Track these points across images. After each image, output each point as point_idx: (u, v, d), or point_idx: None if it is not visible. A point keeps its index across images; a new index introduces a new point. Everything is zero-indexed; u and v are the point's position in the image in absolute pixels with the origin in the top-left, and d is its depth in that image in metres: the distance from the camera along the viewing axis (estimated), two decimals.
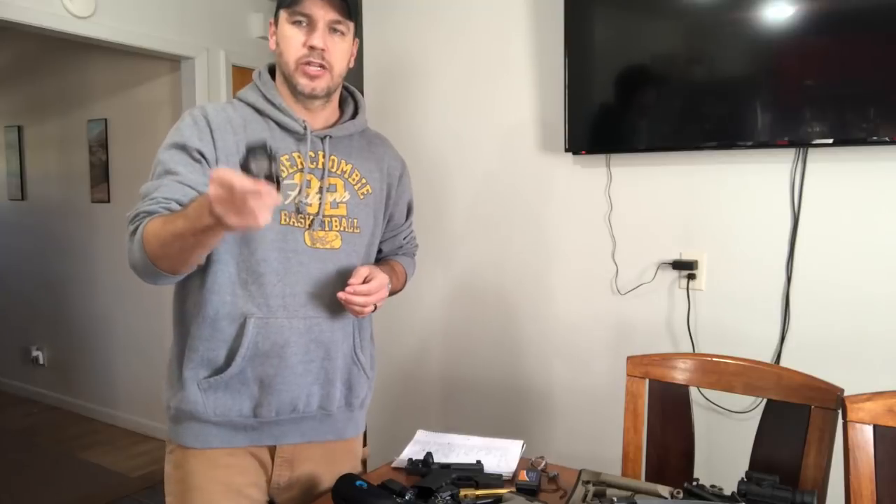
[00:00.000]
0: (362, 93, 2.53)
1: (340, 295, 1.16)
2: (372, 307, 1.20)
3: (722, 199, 1.93)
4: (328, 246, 1.22)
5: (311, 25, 1.16)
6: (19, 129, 4.38)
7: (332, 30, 1.18)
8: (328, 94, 1.23)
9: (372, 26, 2.55)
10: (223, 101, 1.29)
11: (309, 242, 1.20)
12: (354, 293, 1.16)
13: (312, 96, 1.20)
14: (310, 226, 1.20)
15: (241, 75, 3.31)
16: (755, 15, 1.75)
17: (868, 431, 1.15)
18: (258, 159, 0.88)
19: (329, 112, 1.28)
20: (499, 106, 2.30)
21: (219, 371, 1.18)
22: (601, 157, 2.10)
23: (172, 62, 3.23)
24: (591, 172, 2.13)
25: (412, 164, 2.67)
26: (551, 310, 2.23)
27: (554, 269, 2.22)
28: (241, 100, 1.24)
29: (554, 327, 2.23)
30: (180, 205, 1.08)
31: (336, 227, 1.23)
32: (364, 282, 1.18)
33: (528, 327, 2.28)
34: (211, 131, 1.16)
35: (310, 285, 1.20)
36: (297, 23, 1.17)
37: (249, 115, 1.21)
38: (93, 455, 3.49)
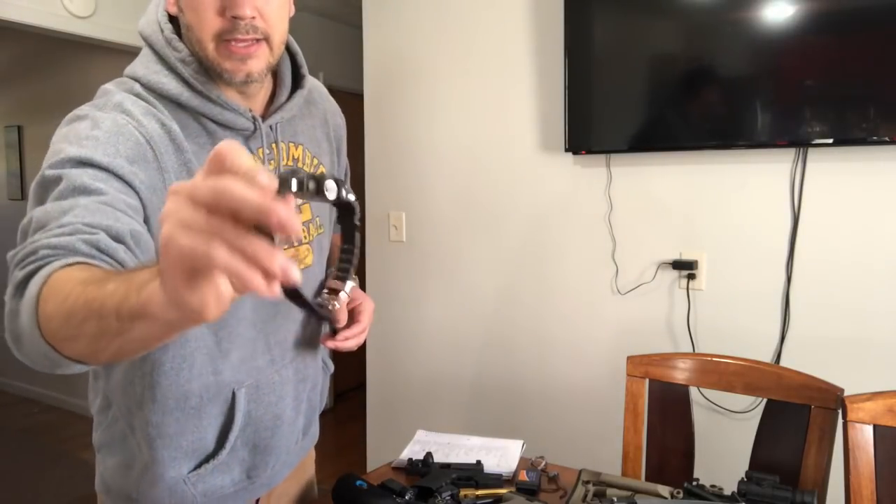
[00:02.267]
0: (362, 93, 2.55)
1: (329, 344, 1.00)
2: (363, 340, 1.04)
3: (722, 199, 1.93)
4: (301, 266, 0.98)
5: None
6: (19, 129, 4.38)
7: None
8: (269, 72, 0.88)
9: (373, 27, 2.55)
10: (124, 88, 0.83)
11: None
12: (346, 339, 1.00)
13: (248, 81, 0.84)
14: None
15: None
16: (755, 15, 1.75)
17: (868, 431, 1.15)
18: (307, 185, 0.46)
19: (267, 88, 0.94)
20: (499, 106, 2.30)
21: (209, 457, 0.95)
22: (601, 157, 2.10)
23: None
24: (591, 172, 2.13)
25: (411, 163, 2.67)
26: (551, 309, 2.23)
27: (554, 269, 2.22)
28: (153, 90, 0.84)
29: (554, 327, 2.23)
30: (116, 239, 0.67)
31: (305, 237, 0.98)
32: (350, 312, 0.99)
33: (527, 327, 2.28)
34: (156, 154, 0.79)
35: (292, 323, 0.99)
36: None
37: (178, 114, 0.84)
38: (93, 455, 3.48)
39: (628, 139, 1.99)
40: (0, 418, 4.07)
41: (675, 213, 2.00)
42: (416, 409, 2.55)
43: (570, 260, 2.19)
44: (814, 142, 1.72)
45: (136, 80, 0.85)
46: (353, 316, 1.03)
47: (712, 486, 1.11)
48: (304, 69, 0.97)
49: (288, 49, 0.94)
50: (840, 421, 1.20)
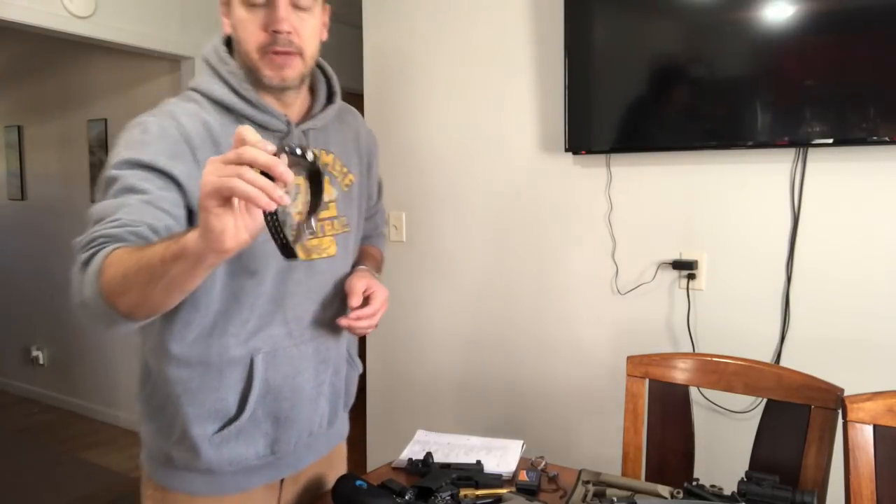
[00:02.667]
0: (361, 93, 2.55)
1: (342, 322, 1.08)
2: (375, 325, 1.12)
3: (722, 199, 1.93)
4: (324, 255, 1.10)
5: (269, 4, 0.97)
6: (19, 129, 4.38)
7: (296, 6, 0.98)
8: (302, 82, 1.05)
9: (372, 26, 2.55)
10: (182, 98, 1.06)
11: (303, 255, 1.07)
12: (358, 318, 1.08)
13: (284, 88, 1.02)
14: (297, 237, 0.89)
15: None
16: (755, 15, 1.75)
17: (868, 431, 1.15)
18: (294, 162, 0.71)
19: (303, 99, 1.10)
20: (498, 106, 2.30)
21: (231, 420, 1.05)
22: (601, 157, 2.10)
23: (172, 62, 3.23)
24: (591, 172, 2.13)
25: (411, 163, 2.66)
26: (551, 309, 2.23)
27: (554, 269, 2.22)
28: (205, 95, 1.03)
29: (554, 327, 2.23)
30: (154, 232, 0.85)
31: (329, 230, 1.11)
32: (365, 297, 1.09)
33: (527, 327, 2.28)
34: (191, 149, 0.95)
35: (311, 303, 1.10)
36: (250, 5, 0.97)
37: (223, 117, 1.01)
38: (93, 455, 3.49)
39: (628, 139, 1.99)
40: (0, 418, 4.07)
41: (675, 213, 2.00)
42: (416, 409, 2.55)
43: (570, 260, 2.19)
44: (814, 142, 1.72)
45: (195, 89, 1.04)
46: (367, 301, 1.10)
47: (712, 486, 1.11)
48: (337, 90, 1.15)
49: (325, 73, 1.14)
50: (840, 421, 1.20)
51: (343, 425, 1.32)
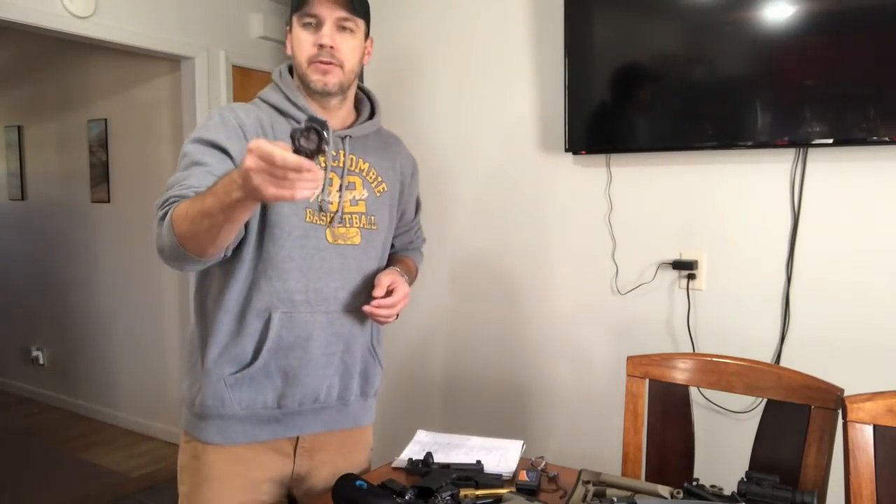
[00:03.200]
0: None
1: (366, 308, 1.23)
2: (395, 316, 1.26)
3: (722, 199, 1.93)
4: (349, 242, 1.27)
5: (319, 25, 1.21)
6: (19, 129, 4.38)
7: (342, 28, 1.22)
8: (342, 91, 1.26)
9: (373, 25, 2.54)
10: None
11: (330, 239, 1.24)
12: (378, 306, 1.22)
13: (326, 92, 1.23)
14: (331, 222, 1.23)
15: (241, 75, 3.31)
16: (755, 15, 1.75)
17: (868, 431, 1.15)
18: (310, 136, 0.84)
19: (346, 112, 1.32)
20: (499, 106, 2.30)
21: (245, 366, 1.21)
22: (601, 157, 2.10)
23: (172, 62, 3.23)
24: (591, 172, 2.13)
25: None
26: (551, 310, 2.23)
27: (554, 269, 2.22)
28: (263, 100, 1.28)
29: (554, 327, 2.23)
30: None
31: (356, 223, 1.28)
32: (387, 292, 1.24)
33: (528, 327, 2.28)
34: (244, 132, 1.19)
35: (332, 280, 1.24)
36: (306, 25, 1.22)
37: (274, 116, 1.25)
38: (93, 455, 3.49)
39: (628, 139, 1.99)
40: (0, 418, 4.07)
41: (675, 213, 2.00)
42: (416, 409, 2.55)
43: (570, 260, 2.19)
44: (814, 142, 1.72)
45: (259, 97, 1.29)
46: (389, 294, 1.25)
47: (712, 486, 1.11)
48: (378, 110, 1.40)
49: (369, 98, 1.40)
50: (840, 421, 1.20)
51: (360, 411, 1.38)
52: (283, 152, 0.82)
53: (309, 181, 0.85)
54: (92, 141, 3.89)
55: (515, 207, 2.28)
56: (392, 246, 1.46)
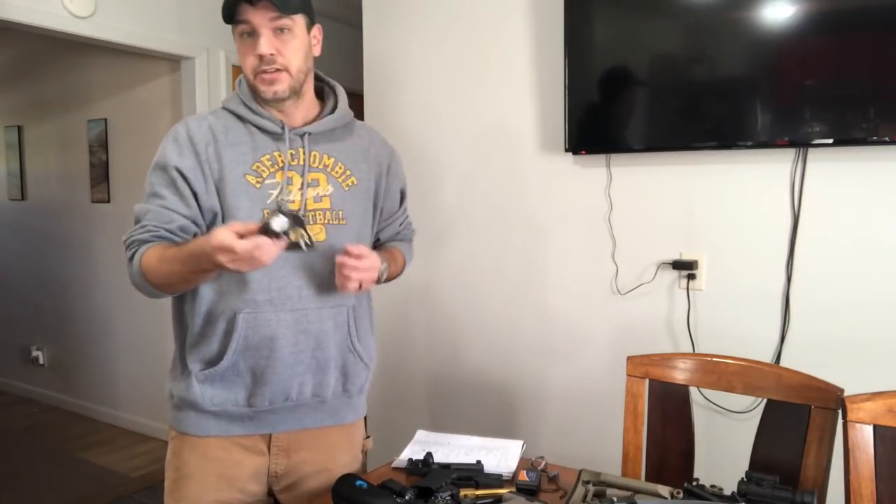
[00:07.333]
0: (361, 93, 2.55)
1: (338, 258, 1.21)
2: (357, 284, 1.21)
3: (722, 199, 1.93)
4: (316, 239, 1.24)
5: (254, 34, 1.20)
6: (19, 129, 4.38)
7: (278, 30, 1.20)
8: (295, 93, 1.26)
9: (372, 26, 2.55)
10: (207, 111, 1.36)
11: (293, 237, 1.22)
12: (342, 263, 1.20)
13: (277, 99, 1.24)
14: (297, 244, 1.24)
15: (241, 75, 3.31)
16: (755, 15, 1.75)
17: (868, 431, 1.15)
18: (280, 219, 1.02)
19: (306, 108, 1.31)
20: (499, 106, 2.30)
21: (213, 363, 1.24)
22: (601, 157, 2.10)
23: (172, 62, 3.23)
24: (591, 172, 2.13)
25: (412, 164, 2.66)
26: (551, 310, 2.23)
27: (554, 269, 2.22)
28: (224, 108, 1.30)
29: (554, 327, 2.23)
30: (168, 231, 1.20)
31: (320, 220, 1.27)
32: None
33: (528, 327, 2.28)
34: (193, 145, 1.23)
35: (295, 278, 1.24)
36: (243, 34, 1.21)
37: (231, 121, 1.27)
38: (93, 455, 3.49)
39: (628, 139, 1.99)
40: (0, 418, 4.07)
41: (675, 213, 2.00)
42: (416, 409, 2.55)
43: (569, 260, 2.19)
44: (814, 142, 1.72)
45: (222, 104, 1.31)
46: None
47: (712, 486, 1.11)
48: (340, 103, 1.35)
49: (335, 91, 1.36)
50: (840, 421, 1.20)
51: (342, 408, 1.36)
52: (241, 243, 0.99)
53: (268, 250, 1.02)
54: (92, 141, 3.89)
55: (515, 207, 2.28)
56: (377, 239, 1.46)
